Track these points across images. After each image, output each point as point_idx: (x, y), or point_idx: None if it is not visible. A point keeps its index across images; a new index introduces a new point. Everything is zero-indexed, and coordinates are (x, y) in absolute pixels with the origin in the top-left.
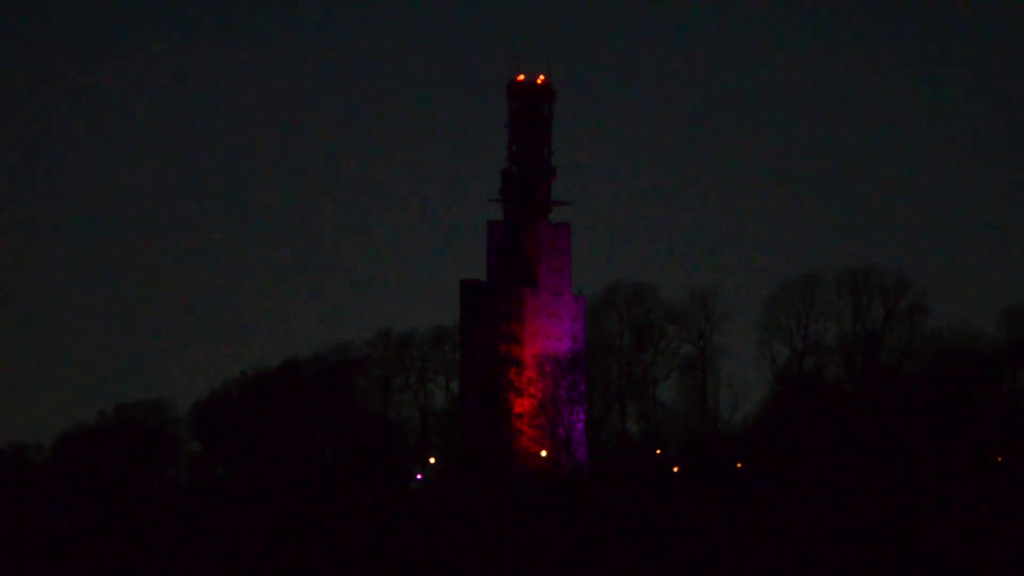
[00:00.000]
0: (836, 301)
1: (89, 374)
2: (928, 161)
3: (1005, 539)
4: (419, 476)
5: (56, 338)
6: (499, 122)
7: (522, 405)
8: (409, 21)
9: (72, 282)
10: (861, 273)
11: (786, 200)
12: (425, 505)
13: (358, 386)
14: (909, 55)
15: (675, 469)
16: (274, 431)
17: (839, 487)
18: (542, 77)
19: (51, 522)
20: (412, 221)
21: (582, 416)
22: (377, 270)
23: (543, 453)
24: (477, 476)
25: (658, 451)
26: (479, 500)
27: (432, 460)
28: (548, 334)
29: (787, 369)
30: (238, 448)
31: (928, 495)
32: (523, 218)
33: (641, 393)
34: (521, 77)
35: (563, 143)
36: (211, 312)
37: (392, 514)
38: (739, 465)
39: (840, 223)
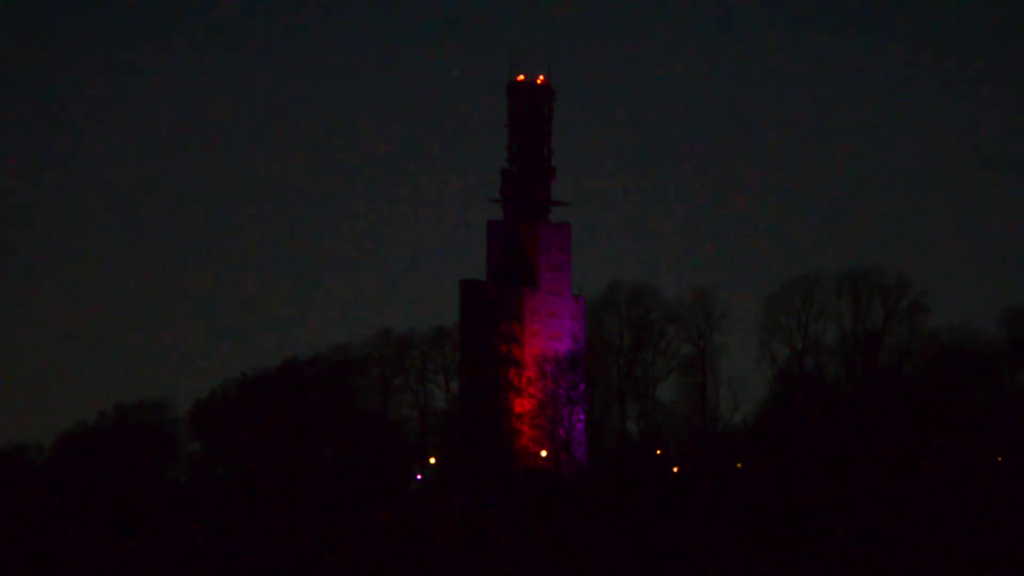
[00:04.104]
0: (836, 301)
1: (89, 374)
2: (928, 161)
3: (1005, 539)
4: (419, 476)
5: (56, 338)
6: (499, 122)
7: (522, 405)
8: (409, 21)
9: (72, 282)
10: (861, 273)
11: (786, 200)
12: (425, 505)
13: (358, 386)
14: (909, 55)
15: (675, 469)
16: (274, 431)
17: (839, 487)
18: (542, 77)
19: (51, 522)
20: (412, 221)
21: (582, 416)
22: (377, 270)
23: (543, 453)
24: (477, 476)
25: (658, 451)
26: (479, 500)
27: (432, 460)
28: (548, 334)
29: (787, 369)
30: (238, 448)
31: (928, 495)
32: (523, 218)
33: (641, 393)
34: (521, 77)
35: (563, 143)
36: (211, 312)
37: (392, 514)
38: (739, 465)
39: (840, 223)
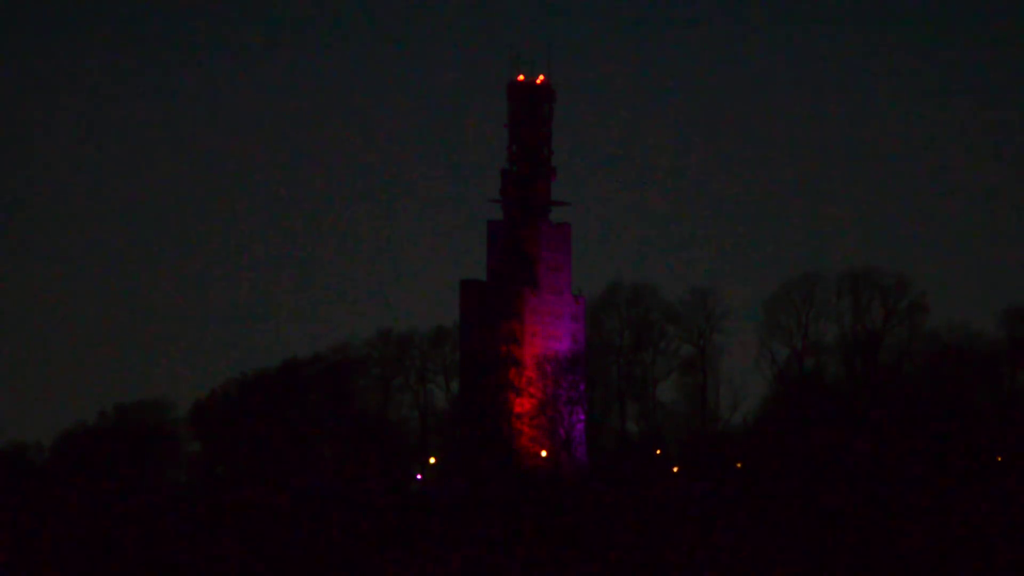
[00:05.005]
0: (836, 301)
1: (89, 374)
2: (928, 161)
3: (1005, 539)
4: (419, 476)
5: (56, 338)
6: (499, 122)
7: (522, 405)
8: (409, 21)
9: (72, 282)
10: (861, 273)
11: (786, 200)
12: (425, 505)
13: (358, 386)
14: (909, 55)
15: (675, 469)
16: (274, 431)
17: (839, 486)
18: (542, 77)
19: (51, 522)
20: (412, 221)
21: (582, 416)
22: (377, 270)
23: (543, 453)
24: (477, 476)
25: (658, 451)
26: (479, 500)
27: (432, 460)
28: (548, 334)
29: (787, 369)
30: (238, 448)
31: (928, 495)
32: (523, 218)
33: (641, 393)
34: (521, 77)
35: (563, 143)
36: (211, 312)
37: (392, 514)
38: (739, 465)
39: (840, 223)
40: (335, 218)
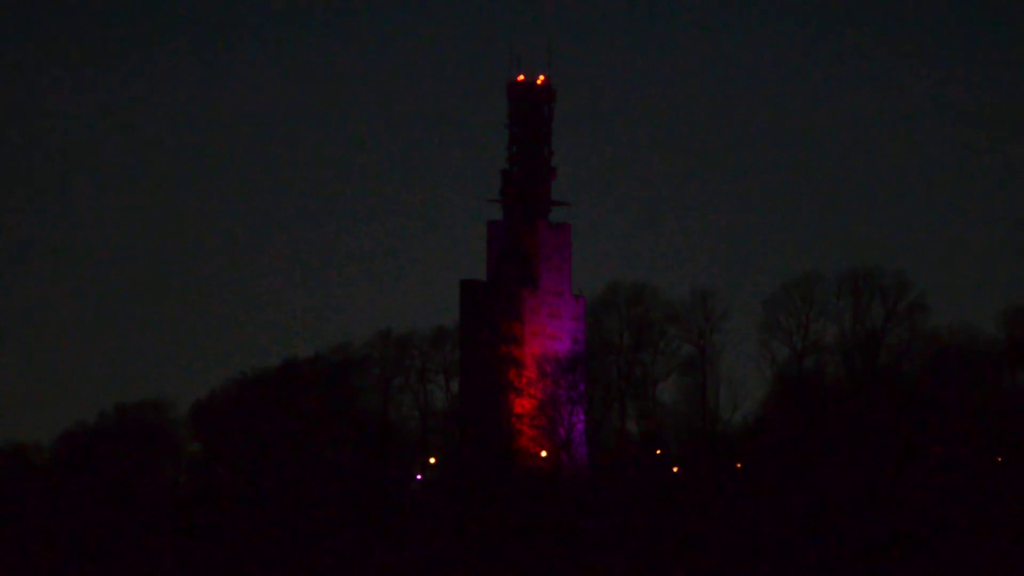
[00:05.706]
0: (836, 301)
1: (89, 374)
2: (928, 161)
3: (1005, 539)
4: (419, 476)
5: (56, 338)
6: (499, 122)
7: (522, 405)
8: (409, 21)
9: (72, 282)
10: (861, 273)
11: (786, 200)
12: (425, 505)
13: (358, 386)
14: (909, 55)
15: (675, 469)
16: (274, 431)
17: (839, 487)
18: (542, 77)
19: (51, 522)
20: (412, 221)
21: (582, 416)
22: (377, 270)
23: (543, 453)
24: (477, 476)
25: (658, 451)
26: (479, 500)
27: (432, 460)
28: (548, 334)
29: (787, 369)
30: (238, 448)
31: (928, 495)
32: (523, 218)
33: (641, 393)
34: (521, 77)
35: (563, 143)
36: (211, 312)
37: (392, 514)
38: (739, 465)
39: (840, 223)
40: (335, 218)
